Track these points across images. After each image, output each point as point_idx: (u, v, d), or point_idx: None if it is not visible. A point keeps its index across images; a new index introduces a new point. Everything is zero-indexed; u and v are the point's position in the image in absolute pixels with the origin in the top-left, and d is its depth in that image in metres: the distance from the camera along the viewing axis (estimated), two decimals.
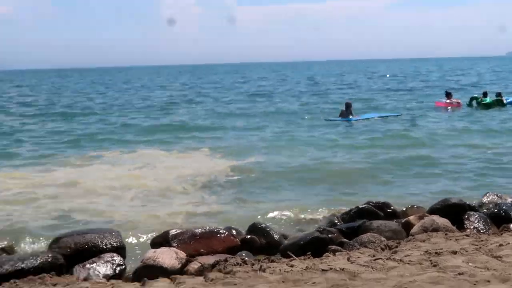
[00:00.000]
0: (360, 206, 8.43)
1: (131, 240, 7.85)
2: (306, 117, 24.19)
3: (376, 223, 7.59)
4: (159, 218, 9.10)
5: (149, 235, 7.88)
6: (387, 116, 23.47)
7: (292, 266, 5.86)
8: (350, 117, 22.19)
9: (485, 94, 25.57)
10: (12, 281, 5.78)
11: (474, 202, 8.74)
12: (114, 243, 6.92)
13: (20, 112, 30.49)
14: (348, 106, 22.94)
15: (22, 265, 6.17)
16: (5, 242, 7.43)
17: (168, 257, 6.46)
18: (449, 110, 25.11)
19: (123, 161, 14.70)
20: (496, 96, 25.48)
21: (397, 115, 23.69)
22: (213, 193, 10.86)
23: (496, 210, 8.05)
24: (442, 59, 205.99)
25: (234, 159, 14.12)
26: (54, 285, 5.67)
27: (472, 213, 7.84)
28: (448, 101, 26.08)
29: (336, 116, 22.98)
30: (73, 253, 6.67)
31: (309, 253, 6.53)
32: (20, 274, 6.00)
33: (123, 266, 6.55)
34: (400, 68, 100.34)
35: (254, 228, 7.62)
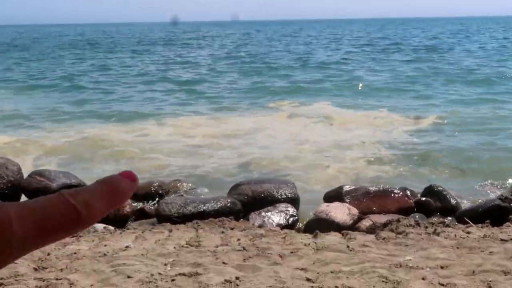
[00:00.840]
0: None
1: (304, 192, 8.01)
2: None
3: None
4: (332, 173, 9.19)
5: (322, 189, 8.00)
6: None
7: (468, 233, 5.64)
8: None
9: None
10: (194, 221, 6.23)
11: None
12: (289, 194, 7.14)
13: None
14: None
15: (204, 208, 6.63)
16: (190, 185, 7.97)
17: (340, 212, 6.54)
18: None
19: (301, 114, 14.98)
20: None
21: None
22: (391, 153, 10.68)
23: None
24: None
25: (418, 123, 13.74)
26: (232, 228, 6.02)
27: None
28: None
29: None
30: (250, 200, 7.01)
31: (487, 221, 6.22)
32: (202, 215, 6.45)
33: (296, 217, 6.75)
34: None
35: (430, 191, 7.40)
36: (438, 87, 20.06)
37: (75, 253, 5.06)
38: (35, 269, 4.58)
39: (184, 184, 7.97)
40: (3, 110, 16.11)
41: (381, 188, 7.31)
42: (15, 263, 4.67)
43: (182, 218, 6.41)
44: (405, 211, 6.95)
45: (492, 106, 15.59)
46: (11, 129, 13.35)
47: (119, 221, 6.79)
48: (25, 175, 7.54)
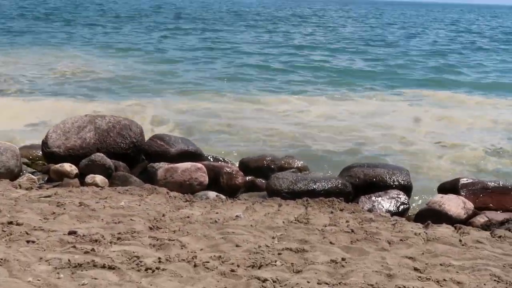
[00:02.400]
0: None
1: (418, 181, 7.80)
2: None
3: None
4: (450, 164, 8.90)
5: (436, 180, 7.77)
6: None
7: None
8: None
9: None
10: (304, 198, 6.27)
11: None
12: (402, 181, 6.97)
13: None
14: None
15: (314, 186, 6.63)
16: (301, 162, 8.01)
17: (455, 205, 6.32)
18: None
19: (421, 101, 14.59)
20: None
21: None
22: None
23: None
24: None
25: None
26: (341, 209, 6.00)
27: None
28: None
29: None
30: (361, 183, 6.92)
31: None
32: (312, 193, 6.47)
33: (407, 205, 6.61)
34: None
35: None
36: None
37: (188, 217, 5.26)
38: (150, 228, 4.81)
39: (296, 161, 8.01)
40: (118, 74, 16.89)
41: (500, 184, 6.97)
42: (132, 220, 4.95)
43: (291, 194, 6.47)
44: None
45: None
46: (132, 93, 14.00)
47: (230, 191, 6.98)
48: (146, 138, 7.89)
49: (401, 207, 6.55)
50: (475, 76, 19.98)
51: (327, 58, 23.71)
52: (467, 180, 7.02)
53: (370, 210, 6.29)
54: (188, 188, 6.77)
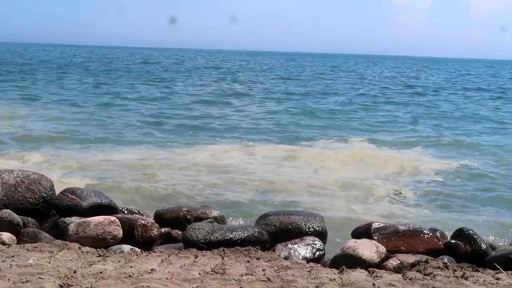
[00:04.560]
0: None
1: (332, 227, 7.94)
2: None
3: None
4: (361, 210, 9.13)
5: (350, 225, 7.94)
6: None
7: (498, 279, 5.51)
8: None
9: None
10: (221, 248, 6.23)
11: None
12: (317, 228, 7.08)
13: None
14: None
15: (231, 236, 6.61)
16: (218, 212, 7.99)
17: (368, 249, 6.47)
18: None
19: (332, 149, 14.97)
20: None
21: None
22: (418, 191, 10.58)
23: None
24: None
25: (447, 159, 13.57)
26: (258, 258, 5.99)
27: None
28: None
29: None
30: (277, 231, 6.97)
31: None
32: (229, 243, 6.44)
33: (323, 251, 6.70)
34: None
35: (461, 234, 7.26)
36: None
37: (100, 272, 5.08)
38: (61, 286, 4.61)
39: (213, 210, 7.99)
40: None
41: (410, 228, 7.21)
42: (41, 278, 4.73)
43: (208, 245, 6.41)
44: (434, 253, 6.84)
45: None
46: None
47: (145, 244, 6.83)
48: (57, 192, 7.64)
49: (317, 253, 6.63)
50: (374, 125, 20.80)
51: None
52: (379, 225, 7.22)
53: (286, 258, 6.32)
54: (101, 243, 6.58)
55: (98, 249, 6.17)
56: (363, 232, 7.16)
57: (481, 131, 19.50)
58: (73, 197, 7.41)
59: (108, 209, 7.45)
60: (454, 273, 5.64)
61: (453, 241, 7.11)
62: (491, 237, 8.06)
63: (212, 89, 33.26)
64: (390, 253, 6.66)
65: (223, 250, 6.17)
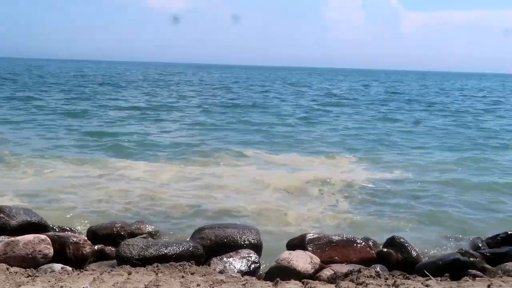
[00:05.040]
0: (510, 232, 7.94)
1: (267, 239, 7.97)
2: None
3: None
4: (296, 221, 9.23)
5: (284, 237, 7.99)
6: None
7: (427, 286, 5.67)
8: None
9: None
10: (155, 264, 6.15)
11: None
12: (252, 240, 7.10)
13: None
14: None
15: (165, 251, 6.54)
16: (153, 227, 7.90)
17: (302, 260, 6.53)
18: None
19: (266, 161, 15.05)
20: None
21: None
22: (351, 201, 10.78)
23: None
24: None
25: (381, 170, 13.90)
26: (192, 273, 5.95)
27: None
28: None
29: None
30: (213, 245, 6.95)
31: (447, 274, 6.29)
32: (163, 259, 6.37)
33: (258, 264, 6.72)
34: None
35: (393, 242, 7.44)
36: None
37: None
38: None
39: (147, 225, 7.89)
40: None
41: (344, 238, 7.33)
42: None
43: (142, 261, 6.32)
44: (367, 262, 6.97)
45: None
46: None
47: (78, 262, 6.67)
48: None
49: (252, 266, 6.64)
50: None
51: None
52: (313, 235, 7.31)
53: (221, 272, 6.30)
54: (31, 262, 6.37)
55: (28, 269, 5.98)
56: (298, 243, 7.23)
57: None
58: (1, 215, 7.16)
59: (38, 227, 7.24)
60: (385, 282, 5.77)
61: (385, 250, 7.27)
62: (422, 244, 8.27)
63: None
64: (324, 263, 6.74)
65: (157, 266, 6.10)
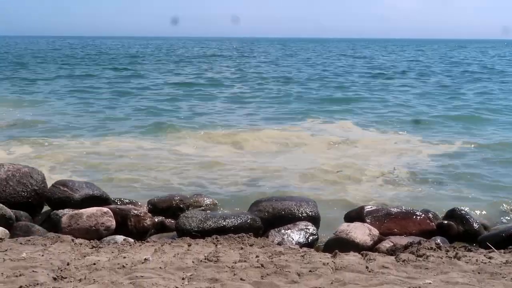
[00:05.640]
0: None
1: (326, 211, 7.95)
2: None
3: None
4: (354, 193, 9.15)
5: (343, 209, 7.95)
6: None
7: (490, 258, 5.54)
8: None
9: None
10: (214, 236, 6.23)
11: None
12: (310, 213, 7.10)
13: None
14: None
15: (224, 223, 6.62)
16: (211, 200, 8.00)
17: (361, 232, 6.49)
18: None
19: (327, 131, 15.01)
20: None
21: None
22: (410, 173, 10.60)
23: None
24: None
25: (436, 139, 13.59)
26: (251, 245, 6.00)
27: None
28: None
29: None
30: (271, 217, 6.99)
31: (510, 247, 6.12)
32: (222, 231, 6.44)
33: (316, 236, 6.72)
34: None
35: (453, 214, 7.31)
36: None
37: (94, 264, 5.08)
38: (54, 279, 4.61)
39: (205, 198, 8.00)
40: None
41: (403, 210, 7.24)
42: (35, 271, 4.72)
43: (201, 233, 6.41)
44: (427, 234, 6.88)
45: None
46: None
47: (139, 233, 6.83)
48: (49, 184, 7.62)
49: (310, 238, 6.65)
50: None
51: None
52: (371, 208, 7.24)
53: (280, 243, 6.33)
54: (95, 234, 6.57)
55: (91, 241, 6.15)
56: (356, 215, 7.18)
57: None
58: (65, 189, 7.38)
59: (100, 200, 7.44)
60: (447, 254, 5.67)
61: (446, 222, 7.15)
62: (484, 215, 8.09)
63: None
64: (383, 235, 6.68)
65: (216, 238, 6.17)
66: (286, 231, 6.66)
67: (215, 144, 13.24)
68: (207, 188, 9.25)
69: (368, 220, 6.95)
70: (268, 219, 6.97)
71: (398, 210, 7.23)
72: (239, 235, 6.27)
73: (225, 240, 6.11)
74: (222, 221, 6.66)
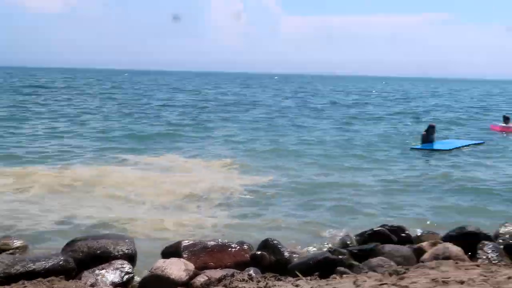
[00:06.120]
0: (375, 229, 8.35)
1: (144, 248, 7.87)
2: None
3: (388, 247, 7.54)
4: (174, 228, 9.20)
5: (161, 245, 7.94)
6: (470, 145, 20.49)
7: (297, 286, 5.86)
8: (435, 144, 19.82)
9: None
10: (21, 282, 5.89)
11: (491, 231, 8.60)
12: (126, 250, 6.99)
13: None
14: (431, 128, 20.17)
15: (33, 267, 6.27)
16: (21, 242, 7.59)
17: (176, 268, 6.52)
18: (505, 135, 24.01)
19: (144, 166, 14.90)
20: None
21: (479, 143, 21.04)
22: (229, 206, 10.90)
23: (511, 241, 7.92)
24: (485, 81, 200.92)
25: (258, 174, 14.12)
26: None
27: (486, 243, 7.73)
28: (504, 125, 25.15)
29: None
30: (85, 257, 6.76)
31: (316, 273, 6.51)
32: (31, 275, 6.10)
33: (132, 274, 6.61)
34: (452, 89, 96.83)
35: (266, 244, 7.62)
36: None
37: None
38: None
39: (14, 240, 7.56)
40: None
41: (219, 243, 7.40)
42: None
43: (8, 279, 6.02)
44: (242, 266, 7.07)
45: None
46: None
47: None
48: None
49: (126, 276, 6.53)
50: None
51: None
52: (188, 242, 7.32)
53: (93, 285, 6.15)
54: None
55: None
56: (174, 251, 7.20)
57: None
58: None
59: None
60: (257, 284, 5.91)
61: (258, 252, 7.42)
62: (296, 245, 8.46)
63: None
64: (199, 269, 6.75)
65: (24, 284, 5.85)
66: (100, 271, 6.48)
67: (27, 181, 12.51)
68: (17, 230, 8.72)
69: (185, 255, 7.00)
70: (83, 259, 6.74)
71: (215, 243, 7.38)
72: (49, 279, 5.99)
73: (33, 285, 5.81)
74: (32, 264, 6.30)
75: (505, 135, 24.06)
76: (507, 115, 26.30)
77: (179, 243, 7.33)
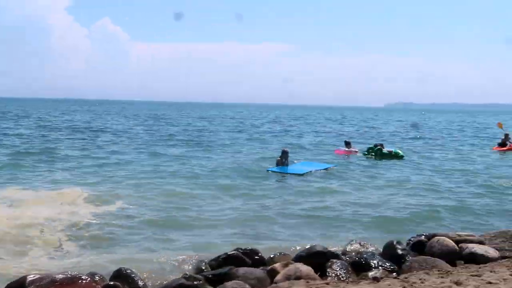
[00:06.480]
0: (229, 253, 8.43)
1: None
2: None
3: (242, 270, 7.63)
4: (17, 264, 8.61)
5: (3, 282, 7.42)
6: (322, 169, 21.28)
7: None
8: (288, 167, 20.72)
9: (381, 145, 26.95)
10: None
11: (338, 249, 9.04)
12: None
13: None
14: (285, 153, 21.15)
15: None
16: None
17: None
18: (348, 157, 26.46)
19: None
20: (375, 146, 26.91)
21: (331, 167, 21.98)
22: (76, 237, 10.44)
23: (357, 258, 8.36)
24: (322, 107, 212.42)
25: (109, 203, 13.66)
26: None
27: (335, 261, 8.10)
28: (347, 149, 28.10)
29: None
30: None
31: None
32: None
33: None
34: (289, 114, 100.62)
35: (119, 274, 7.41)
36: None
37: None
38: None
39: None
40: None
41: (68, 275, 7.08)
42: None
43: None
44: None
45: None
46: None
47: None
48: None
49: None
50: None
51: None
52: (34, 276, 6.98)
53: None
54: None
55: None
56: (19, 286, 6.83)
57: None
58: None
59: None
60: None
61: (112, 283, 7.18)
62: (151, 274, 8.24)
63: None
64: None
65: None
66: None
67: None
68: None
69: None
70: None
71: (63, 276, 7.05)
72: None
73: None
74: None
75: (347, 157, 26.68)
76: (348, 140, 30.06)
77: (24, 278, 6.96)
